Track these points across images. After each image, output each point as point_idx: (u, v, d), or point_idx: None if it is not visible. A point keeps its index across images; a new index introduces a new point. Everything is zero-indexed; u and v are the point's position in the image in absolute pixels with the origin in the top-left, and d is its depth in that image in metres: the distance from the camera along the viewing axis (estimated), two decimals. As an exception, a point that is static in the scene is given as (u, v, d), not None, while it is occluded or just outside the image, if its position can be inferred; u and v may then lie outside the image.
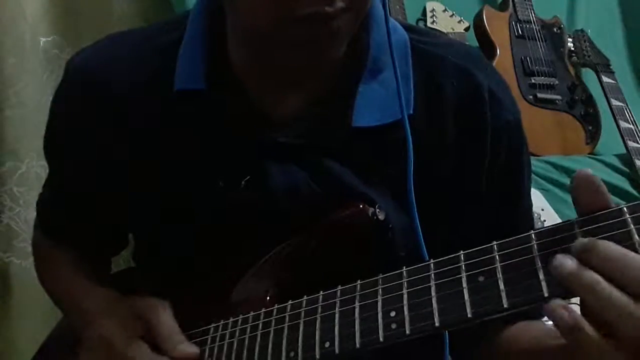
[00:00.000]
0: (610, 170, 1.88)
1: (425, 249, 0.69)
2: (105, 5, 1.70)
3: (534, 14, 2.10)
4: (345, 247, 0.74)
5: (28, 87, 1.60)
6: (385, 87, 0.75)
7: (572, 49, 2.11)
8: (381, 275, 0.61)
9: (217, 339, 0.72)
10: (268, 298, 0.73)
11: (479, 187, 0.78)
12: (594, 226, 0.49)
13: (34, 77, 1.61)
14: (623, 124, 1.92)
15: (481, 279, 0.54)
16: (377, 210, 0.72)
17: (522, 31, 2.05)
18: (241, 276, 0.77)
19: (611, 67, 2.09)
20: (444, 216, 0.76)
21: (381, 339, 0.58)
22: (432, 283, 0.56)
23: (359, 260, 0.73)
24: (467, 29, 2.03)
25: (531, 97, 1.94)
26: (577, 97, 2.00)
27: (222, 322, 0.73)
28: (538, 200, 1.69)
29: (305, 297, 0.66)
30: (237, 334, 0.70)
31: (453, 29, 1.98)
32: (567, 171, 1.83)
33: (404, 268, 0.59)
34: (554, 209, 1.68)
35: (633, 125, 1.93)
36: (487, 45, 2.00)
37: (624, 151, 1.90)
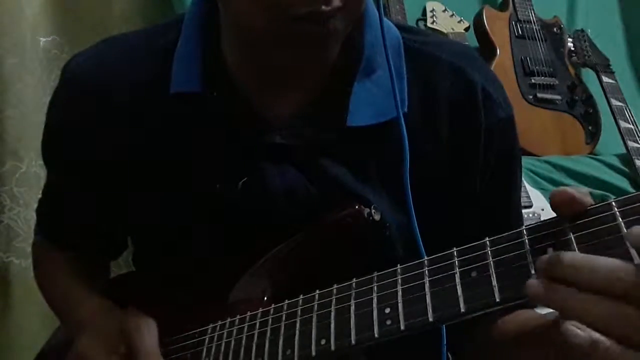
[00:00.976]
0: (610, 170, 1.88)
1: (422, 246, 0.69)
2: (105, 5, 1.71)
3: (534, 14, 2.10)
4: (342, 248, 0.74)
5: (28, 87, 1.60)
6: (379, 86, 0.75)
7: (572, 49, 2.11)
8: (376, 273, 0.61)
9: (215, 339, 0.72)
10: (265, 299, 0.74)
11: (474, 184, 0.79)
12: (583, 220, 0.49)
13: (34, 77, 1.61)
14: (623, 124, 1.92)
15: (474, 274, 0.54)
16: (373, 210, 0.73)
17: (522, 31, 2.05)
18: (239, 277, 0.77)
19: (611, 67, 2.09)
20: (441, 214, 0.76)
21: (376, 335, 0.58)
22: (426, 279, 0.57)
23: (355, 261, 0.73)
24: (467, 29, 2.03)
25: (531, 97, 1.94)
26: (577, 97, 2.00)
27: (219, 322, 0.73)
28: (538, 200, 1.69)
29: (301, 296, 0.66)
30: (234, 333, 0.70)
31: (453, 29, 1.99)
32: (567, 171, 1.83)
33: (399, 265, 0.60)
34: (554, 209, 1.67)
35: (633, 125, 1.93)
36: (487, 45, 2.00)
37: (624, 151, 1.90)
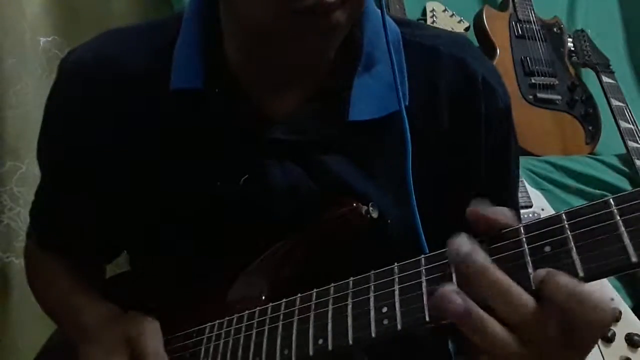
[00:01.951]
0: (610, 170, 1.87)
1: (424, 239, 0.69)
2: (105, 5, 1.71)
3: (534, 14, 2.10)
4: (340, 245, 0.74)
5: (28, 87, 1.61)
6: (379, 80, 0.75)
7: (572, 49, 2.11)
8: (373, 272, 0.61)
9: (213, 338, 0.72)
10: (263, 297, 0.74)
11: (477, 174, 0.79)
12: (581, 218, 0.49)
13: (34, 77, 1.62)
14: (623, 124, 1.91)
15: (471, 272, 0.54)
16: (371, 208, 0.72)
17: (522, 31, 2.05)
18: (237, 276, 0.77)
19: (611, 67, 2.09)
20: (444, 206, 0.76)
21: (373, 335, 0.58)
22: (423, 279, 0.57)
23: (354, 258, 0.73)
24: (467, 29, 2.03)
25: (531, 97, 1.94)
26: (577, 97, 1.99)
27: (217, 321, 0.73)
28: (538, 200, 1.69)
29: (299, 295, 0.66)
30: (232, 332, 0.70)
31: (453, 29, 1.99)
32: (567, 171, 1.82)
33: (395, 264, 0.60)
34: (554, 209, 1.67)
35: (633, 125, 1.92)
36: (487, 45, 2.00)
37: (624, 151, 1.89)
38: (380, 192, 0.75)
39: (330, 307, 0.62)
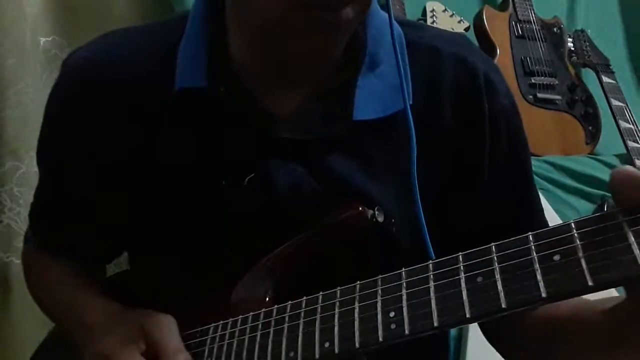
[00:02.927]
0: (610, 170, 1.87)
1: (429, 240, 0.69)
2: (105, 5, 1.70)
3: (534, 14, 2.10)
4: (345, 248, 0.74)
5: (28, 87, 1.60)
6: (383, 80, 0.75)
7: (572, 49, 2.11)
8: (380, 276, 0.61)
9: (217, 339, 0.72)
10: (267, 299, 0.74)
11: (481, 173, 0.79)
12: (590, 228, 0.49)
13: (34, 77, 1.61)
14: (623, 124, 1.92)
15: (480, 279, 0.54)
16: (376, 212, 0.73)
17: (522, 31, 2.05)
18: (241, 276, 0.77)
19: (611, 67, 2.09)
20: (449, 205, 0.76)
21: (380, 339, 0.58)
22: (431, 284, 0.57)
23: (360, 261, 0.73)
24: (467, 29, 2.03)
25: (531, 97, 1.94)
26: (577, 97, 2.00)
27: (221, 322, 0.73)
28: (538, 200, 1.69)
29: (304, 298, 0.66)
30: (236, 334, 0.70)
31: (453, 29, 1.99)
32: (567, 171, 1.83)
33: (403, 269, 0.60)
34: (554, 210, 1.67)
35: (633, 125, 1.93)
36: (487, 45, 2.00)
37: (624, 151, 1.90)
38: (384, 192, 0.75)
39: (337, 310, 0.62)
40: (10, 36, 1.58)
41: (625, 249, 0.46)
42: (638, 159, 1.85)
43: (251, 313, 0.70)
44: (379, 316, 0.59)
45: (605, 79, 2.03)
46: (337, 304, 0.63)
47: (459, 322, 0.54)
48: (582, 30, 2.17)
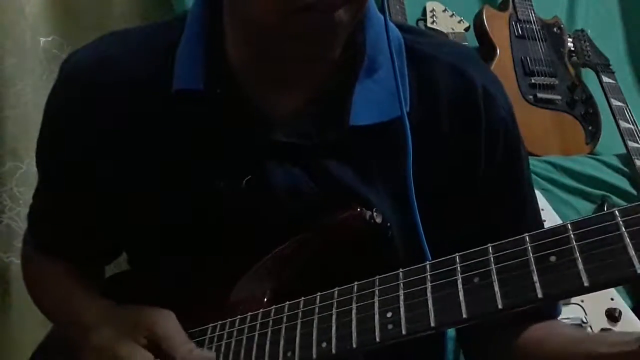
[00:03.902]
0: (610, 170, 1.87)
1: (426, 244, 0.69)
2: (105, 5, 1.71)
3: (534, 14, 2.10)
4: (343, 249, 0.74)
5: (28, 87, 1.60)
6: (380, 86, 0.75)
7: (572, 49, 2.11)
8: (378, 277, 0.61)
9: (215, 339, 0.72)
10: (265, 299, 0.74)
11: (476, 183, 0.79)
12: (587, 229, 0.50)
13: (34, 77, 1.61)
14: (623, 124, 1.92)
15: (476, 280, 0.54)
16: (374, 213, 0.73)
17: (522, 31, 2.05)
18: (239, 277, 0.77)
19: (611, 67, 2.09)
20: (444, 213, 0.76)
21: (377, 339, 0.58)
22: (428, 284, 0.57)
23: (357, 263, 0.73)
24: (467, 29, 2.03)
25: (531, 97, 1.94)
26: (577, 97, 1.99)
27: (220, 322, 0.73)
28: (538, 200, 1.69)
29: (302, 298, 0.66)
30: (234, 334, 0.70)
31: (453, 29, 1.99)
32: (567, 171, 1.82)
33: (400, 270, 0.60)
34: (554, 209, 1.67)
35: (633, 125, 1.92)
36: (487, 45, 2.00)
37: (624, 151, 1.89)
38: (380, 197, 0.76)
39: (335, 310, 0.63)
40: (10, 36, 1.58)
41: (621, 250, 0.47)
42: (638, 159, 1.85)
43: (249, 313, 0.70)
44: (376, 317, 0.59)
45: (605, 79, 2.03)
46: (335, 304, 0.63)
47: (455, 322, 0.55)
48: (582, 30, 2.17)
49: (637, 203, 0.48)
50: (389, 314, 0.58)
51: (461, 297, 0.54)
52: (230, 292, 0.77)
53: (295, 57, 0.72)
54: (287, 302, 0.67)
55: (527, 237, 0.53)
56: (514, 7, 2.09)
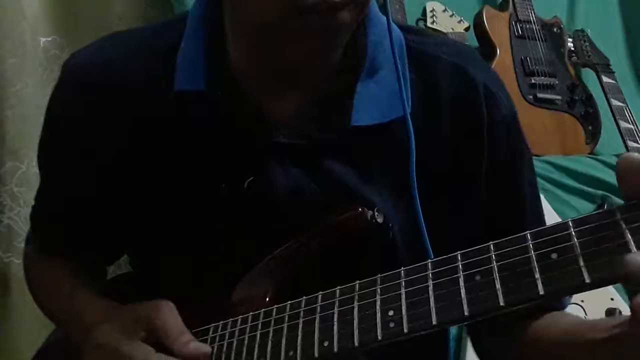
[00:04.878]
0: (610, 170, 1.88)
1: (429, 244, 0.69)
2: (105, 5, 1.71)
3: (534, 14, 2.10)
4: (345, 249, 0.74)
5: (28, 87, 1.60)
6: (382, 86, 0.75)
7: (572, 49, 2.11)
8: (379, 275, 0.61)
9: (217, 339, 0.72)
10: (267, 299, 0.74)
11: (478, 183, 0.79)
12: (588, 226, 0.50)
13: (34, 77, 1.61)
14: (623, 124, 1.92)
15: (478, 278, 0.54)
16: (376, 213, 0.73)
17: (522, 31, 2.05)
18: (240, 277, 0.77)
19: (611, 67, 2.09)
20: (445, 213, 0.76)
21: (379, 338, 0.58)
22: (430, 282, 0.57)
23: (358, 262, 0.73)
24: (467, 29, 2.03)
25: (531, 97, 1.94)
26: (577, 97, 2.00)
27: (221, 322, 0.73)
28: (538, 200, 1.69)
29: (304, 297, 0.66)
30: (236, 334, 0.70)
31: (453, 29, 1.99)
32: (567, 171, 1.83)
33: (402, 268, 0.60)
34: (553, 209, 1.68)
35: (633, 125, 1.93)
36: (487, 45, 2.00)
37: (624, 151, 1.89)
38: (381, 197, 0.76)
39: (336, 309, 0.63)
40: (10, 36, 1.58)
41: (622, 246, 0.47)
42: (638, 158, 1.85)
43: (251, 313, 0.70)
44: (378, 315, 0.59)
45: (605, 79, 2.03)
46: (337, 303, 0.63)
47: (457, 320, 0.55)
48: (582, 30, 2.17)
49: (637, 201, 0.48)
50: (391, 312, 0.58)
51: (463, 295, 0.54)
52: (232, 293, 0.77)
53: (296, 58, 0.72)
54: (289, 302, 0.67)
55: (528, 235, 0.53)
56: (514, 7, 2.09)
